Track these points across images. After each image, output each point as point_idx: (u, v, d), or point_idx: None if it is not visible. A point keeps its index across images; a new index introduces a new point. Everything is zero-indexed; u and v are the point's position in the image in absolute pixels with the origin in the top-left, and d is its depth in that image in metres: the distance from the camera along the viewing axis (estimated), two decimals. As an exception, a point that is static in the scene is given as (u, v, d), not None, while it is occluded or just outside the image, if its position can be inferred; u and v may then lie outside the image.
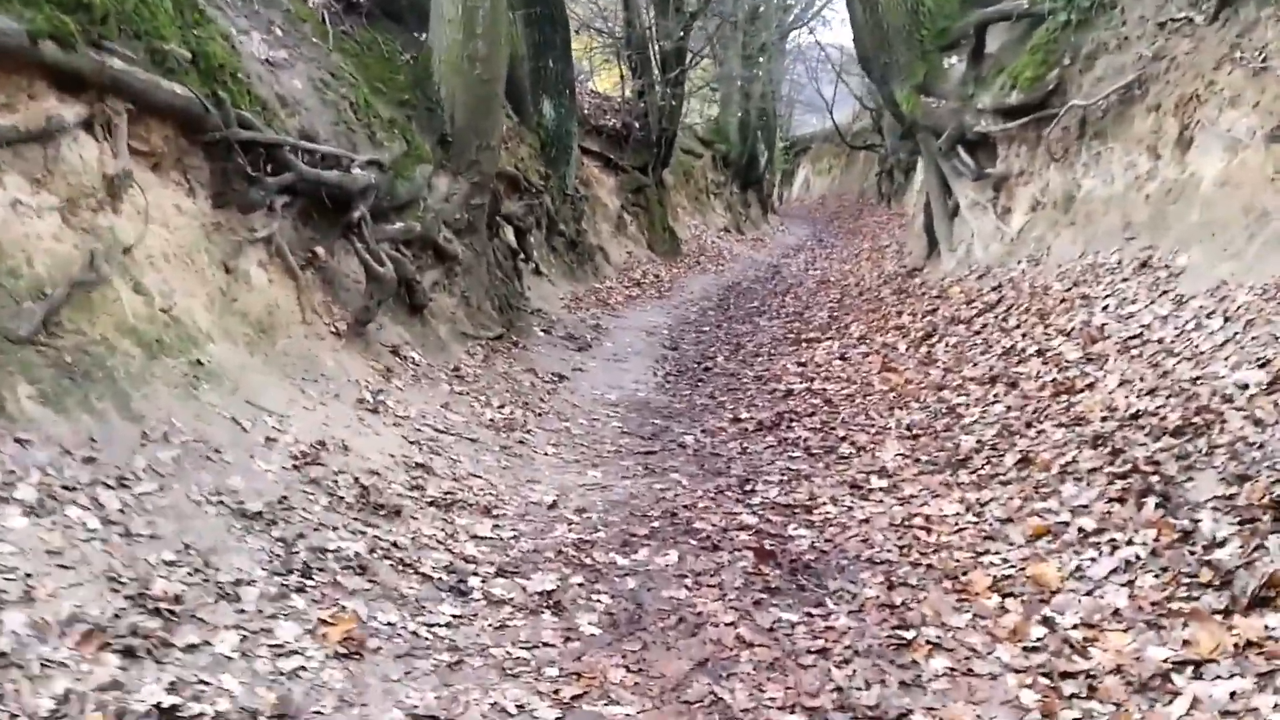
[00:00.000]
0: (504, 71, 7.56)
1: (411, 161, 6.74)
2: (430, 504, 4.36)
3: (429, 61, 7.29)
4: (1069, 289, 6.81)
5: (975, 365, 6.62)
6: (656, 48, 17.56)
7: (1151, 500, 3.85)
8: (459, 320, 7.32)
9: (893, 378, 7.27)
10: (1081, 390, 5.24)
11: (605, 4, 17.73)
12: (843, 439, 6.01)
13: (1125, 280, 6.25)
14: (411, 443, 4.94)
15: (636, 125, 17.18)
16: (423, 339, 6.57)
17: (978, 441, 5.33)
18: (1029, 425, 5.17)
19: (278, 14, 6.30)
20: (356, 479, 4.26)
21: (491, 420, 5.78)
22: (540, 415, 6.30)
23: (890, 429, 6.06)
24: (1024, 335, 6.58)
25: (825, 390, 7.41)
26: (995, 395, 5.88)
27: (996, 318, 7.37)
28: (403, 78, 7.12)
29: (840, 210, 32.69)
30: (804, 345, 9.70)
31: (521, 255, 10.16)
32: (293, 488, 3.98)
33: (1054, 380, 5.57)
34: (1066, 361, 5.69)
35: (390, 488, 4.34)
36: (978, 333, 7.38)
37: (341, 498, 4.07)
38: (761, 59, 23.21)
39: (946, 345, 7.53)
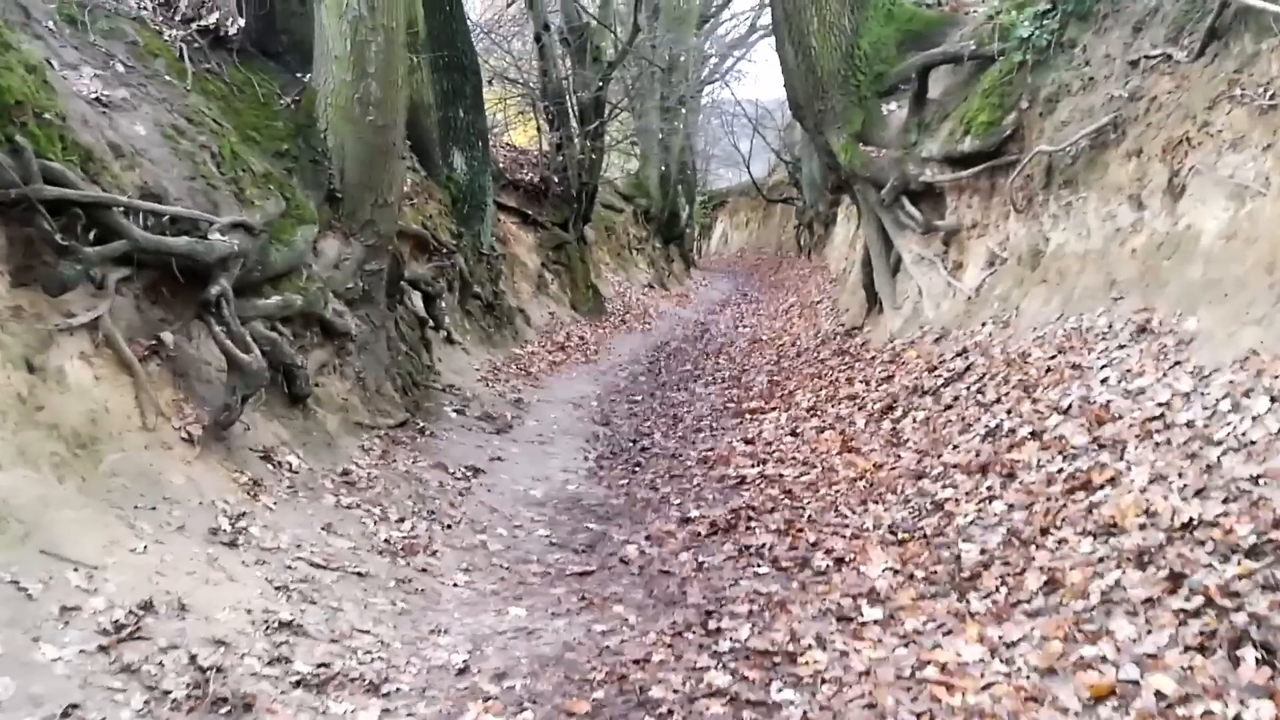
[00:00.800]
0: (402, 118, 6.54)
1: (291, 223, 5.66)
2: (297, 684, 3.23)
3: (313, 106, 6.23)
4: (1053, 357, 6.01)
5: (956, 448, 5.75)
6: (574, 99, 16.77)
7: (1250, 653, 2.96)
8: (352, 409, 6.19)
9: (858, 461, 6.37)
10: (1101, 486, 4.38)
11: (519, 53, 16.90)
12: (814, 545, 5.05)
13: (1122, 348, 5.47)
14: (278, 589, 3.80)
15: (555, 179, 16.29)
16: (305, 437, 5.44)
17: (982, 552, 4.42)
18: (1044, 532, 4.27)
19: (120, 46, 5.20)
20: (193, 658, 3.12)
21: (387, 542, 4.65)
22: (449, 528, 5.19)
23: (869, 531, 5.12)
24: (1009, 412, 5.74)
25: (782, 477, 6.47)
26: (990, 489, 5.00)
27: (970, 390, 6.54)
28: (281, 124, 6.04)
29: (759, 263, 32.39)
30: (748, 417, 8.77)
31: (431, 324, 9.06)
32: (93, 684, 2.83)
33: (1062, 472, 4.71)
34: (1073, 448, 4.83)
35: (241, 666, 3.20)
36: (949, 407, 6.54)
37: (167, 692, 2.93)
38: (682, 110, 22.67)
39: (914, 421, 6.67)
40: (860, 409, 7.72)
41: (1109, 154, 6.48)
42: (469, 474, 6.29)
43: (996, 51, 8.16)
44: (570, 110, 16.72)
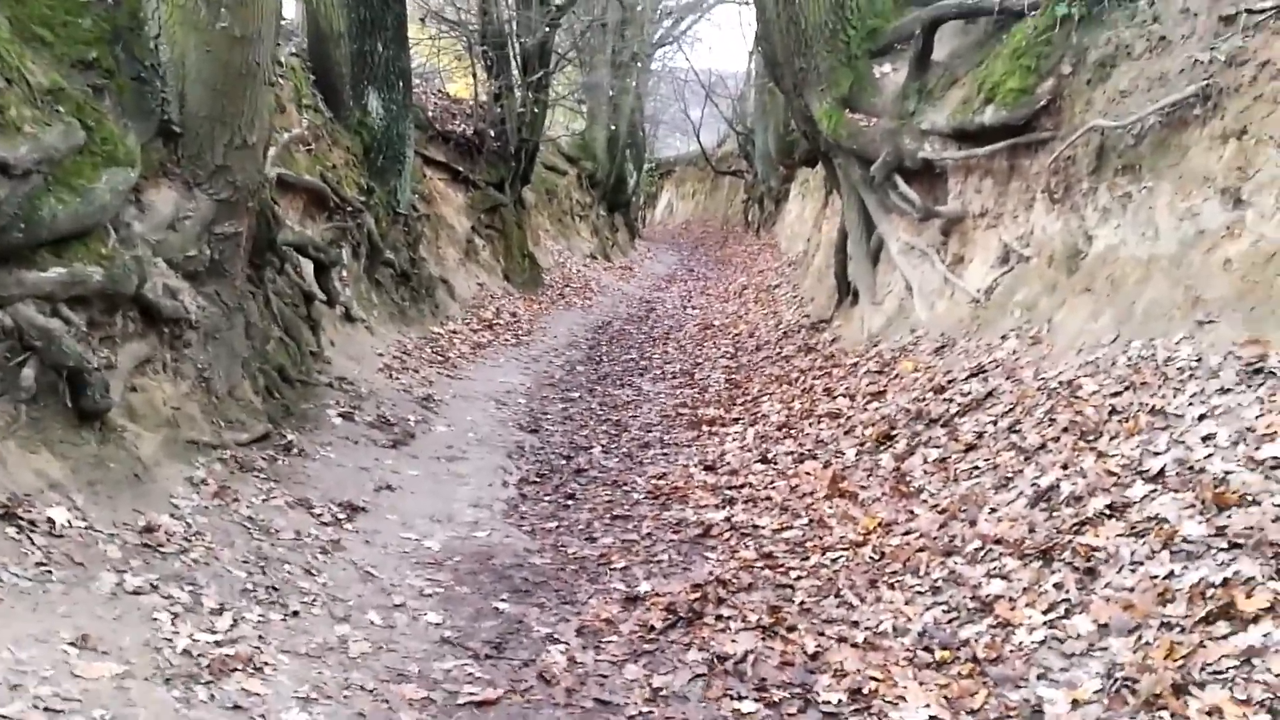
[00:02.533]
0: (271, 28, 4.83)
1: (91, 164, 3.95)
2: None
3: (139, 1, 4.49)
4: (1117, 393, 4.61)
5: (995, 513, 4.32)
6: (517, 45, 14.98)
7: None
8: (185, 422, 4.54)
9: (856, 515, 4.92)
10: (1255, 618, 2.97)
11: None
12: (815, 658, 3.58)
13: (1227, 391, 4.08)
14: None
15: (492, 134, 14.53)
16: (94, 472, 3.79)
17: (1074, 703, 2.99)
18: (1177, 690, 2.85)
19: None
20: None
21: (188, 654, 3.04)
22: (295, 616, 3.60)
23: (889, 637, 3.67)
24: (1066, 468, 4.32)
25: (757, 529, 4.99)
26: (1062, 590, 3.57)
27: (999, 426, 5.12)
28: (89, 23, 4.29)
29: (705, 236, 31.06)
30: (705, 430, 7.29)
31: (323, 298, 7.37)
32: None
33: (1175, 578, 3.30)
34: (1186, 541, 3.43)
35: None
36: (971, 447, 5.12)
37: None
38: (635, 66, 20.97)
39: (926, 462, 5.24)
40: (847, 432, 6.29)
41: (1190, 134, 5.07)
42: (342, 516, 4.68)
43: (1028, 4, 6.71)
44: (512, 57, 14.94)
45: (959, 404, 5.67)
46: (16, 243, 3.51)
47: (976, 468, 4.89)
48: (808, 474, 5.74)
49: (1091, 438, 4.46)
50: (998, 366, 5.83)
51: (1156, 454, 3.99)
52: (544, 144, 20.62)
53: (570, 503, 5.65)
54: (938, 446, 5.34)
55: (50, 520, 3.34)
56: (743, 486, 5.75)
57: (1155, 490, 3.79)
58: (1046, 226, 6.31)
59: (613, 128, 22.71)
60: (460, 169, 14.03)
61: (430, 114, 13.85)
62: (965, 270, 7.51)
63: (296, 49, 9.13)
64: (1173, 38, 5.46)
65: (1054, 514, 4.06)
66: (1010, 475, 4.59)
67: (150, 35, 4.46)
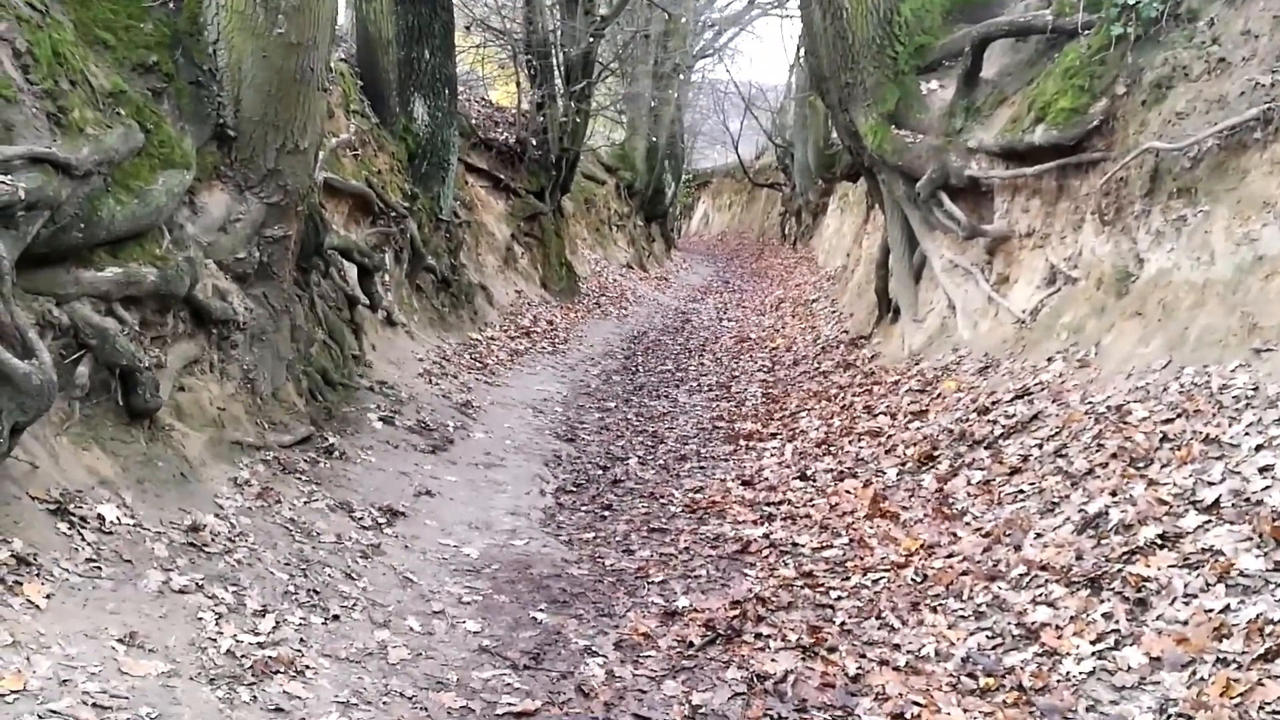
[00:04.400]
0: (327, 37, 4.88)
1: (150, 165, 4.01)
2: None
3: (200, 6, 4.56)
4: (1169, 420, 4.52)
5: (1040, 538, 4.25)
6: (560, 55, 15.06)
7: None
8: (231, 422, 4.58)
9: (898, 535, 4.87)
10: (1318, 657, 2.90)
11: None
12: (856, 680, 3.53)
13: (1284, 423, 3.99)
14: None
15: (533, 142, 14.60)
16: (144, 470, 3.83)
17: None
18: (1234, 727, 2.78)
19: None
20: None
21: (231, 655, 3.06)
22: (336, 619, 3.61)
23: (932, 661, 3.62)
24: (1115, 495, 4.24)
25: (797, 546, 4.95)
26: (1111, 619, 3.50)
27: (1045, 450, 5.04)
28: (151, 27, 4.36)
29: (741, 248, 31.10)
30: (743, 444, 7.25)
31: (365, 302, 7.43)
32: None
33: (1231, 612, 3.22)
34: (1242, 574, 3.35)
35: None
36: (1016, 470, 5.04)
37: None
38: (677, 78, 20.99)
39: (969, 484, 5.16)
40: (888, 451, 6.22)
41: (1250, 158, 4.98)
42: (382, 520, 4.70)
43: (1082, 24, 6.63)
44: (555, 67, 15.02)
45: (1003, 426, 5.60)
46: (76, 242, 3.57)
47: (1021, 491, 4.82)
48: (848, 492, 5.68)
49: (1142, 465, 4.38)
50: (1043, 389, 5.75)
51: (1211, 484, 3.91)
52: (584, 154, 20.73)
53: (607, 514, 5.63)
54: (981, 469, 5.27)
55: (100, 517, 3.38)
56: (781, 503, 5.71)
57: (1210, 521, 3.72)
58: (1096, 248, 6.23)
59: (653, 139, 22.75)
60: (501, 177, 14.10)
61: (473, 121, 13.95)
62: (1010, 290, 7.43)
63: (345, 55, 9.23)
64: (1233, 59, 5.37)
65: (1102, 541, 3.98)
66: (1057, 500, 4.52)
67: (209, 40, 4.53)
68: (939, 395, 6.78)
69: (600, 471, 6.57)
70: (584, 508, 5.74)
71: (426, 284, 9.77)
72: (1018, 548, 4.28)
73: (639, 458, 6.96)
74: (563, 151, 15.29)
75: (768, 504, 5.72)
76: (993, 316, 7.54)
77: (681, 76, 22.03)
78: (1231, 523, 3.64)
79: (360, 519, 4.61)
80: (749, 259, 28.08)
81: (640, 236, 24.40)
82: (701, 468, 6.70)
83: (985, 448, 5.51)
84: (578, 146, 15.99)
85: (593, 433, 7.68)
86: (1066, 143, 6.41)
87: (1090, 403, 5.23)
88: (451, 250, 10.63)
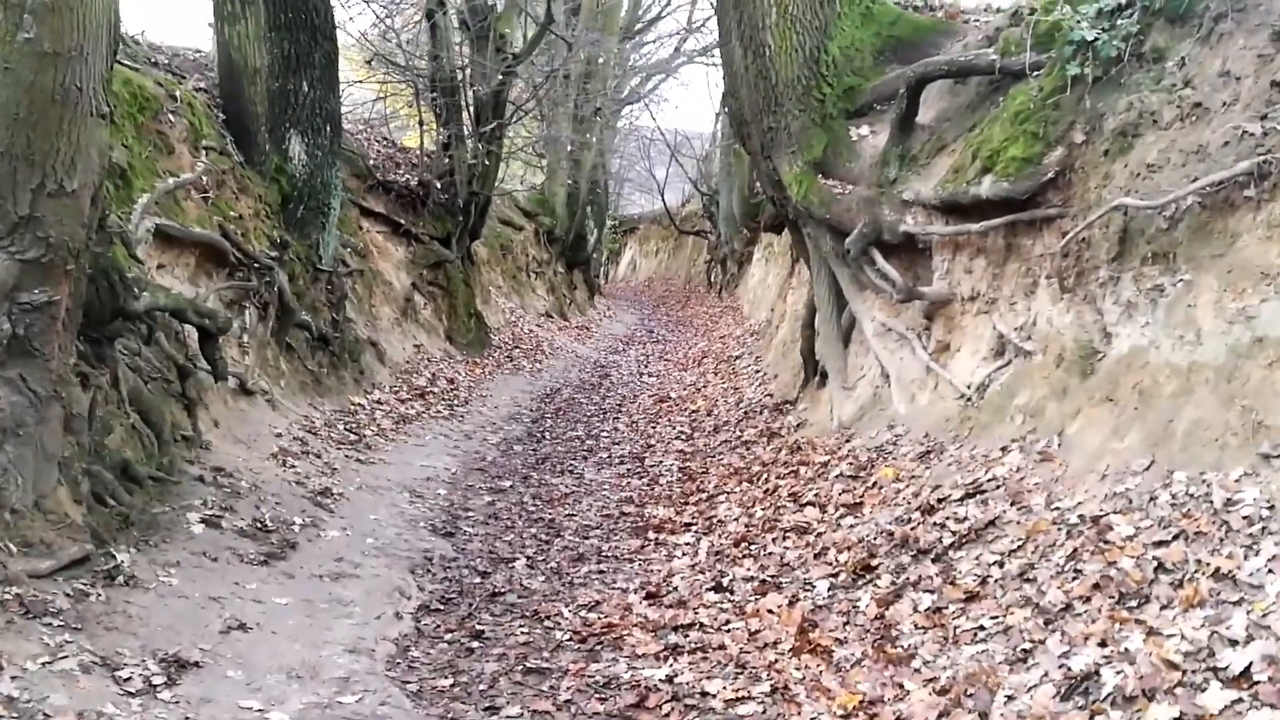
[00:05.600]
0: (102, 44, 3.78)
1: None
2: None
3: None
4: (1163, 544, 3.64)
5: (1014, 705, 3.30)
6: (469, 93, 14.10)
7: None
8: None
9: (831, 684, 3.87)
10: None
11: (404, 29, 14.14)
12: None
13: (1315, 557, 3.13)
14: None
15: (438, 185, 13.56)
16: None
17: None
18: None
19: None
20: None
21: None
22: None
23: None
24: (1103, 645, 3.32)
25: (706, 698, 3.93)
26: None
27: (1004, 568, 4.14)
28: None
29: (667, 295, 30.49)
30: (653, 538, 6.24)
31: (209, 370, 6.27)
32: None
33: None
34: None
35: None
36: (974, 596, 4.12)
37: None
38: (597, 121, 20.20)
39: (916, 611, 4.22)
40: (817, 556, 5.26)
41: (1241, 219, 4.19)
42: (161, 679, 3.54)
43: (1030, 64, 5.88)
44: (464, 106, 14.05)
45: (953, 532, 4.69)
46: None
47: (982, 627, 3.88)
48: (771, 613, 4.69)
49: (1134, 603, 3.48)
50: (999, 486, 4.86)
51: (1234, 643, 3.01)
52: (500, 199, 19.74)
53: (476, 645, 4.54)
54: (930, 590, 4.33)
55: None
56: (691, 626, 4.69)
57: (1240, 701, 2.81)
58: (1053, 318, 5.41)
59: (574, 183, 21.90)
60: (402, 221, 13.00)
61: (371, 162, 12.87)
62: (952, 360, 6.61)
63: (205, 84, 8.11)
64: (1211, 105, 4.62)
65: (1096, 717, 3.05)
66: (1029, 646, 3.59)
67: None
68: (875, 484, 5.86)
69: (478, 580, 5.48)
70: (448, 636, 4.64)
71: (300, 343, 8.61)
72: (984, 715, 3.32)
73: (528, 558, 5.88)
74: (472, 195, 14.27)
75: (676, 627, 4.69)
76: (932, 389, 6.71)
77: (602, 120, 21.24)
78: (1273, 706, 2.73)
79: (128, 680, 3.46)
80: (675, 306, 27.38)
81: (561, 284, 23.43)
82: (601, 572, 5.66)
83: (933, 560, 4.59)
84: (488, 190, 14.98)
85: (478, 523, 6.59)
86: (1018, 196, 5.62)
87: (1058, 508, 4.35)
88: (334, 303, 9.48)
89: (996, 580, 4.13)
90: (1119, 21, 5.19)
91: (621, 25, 23.58)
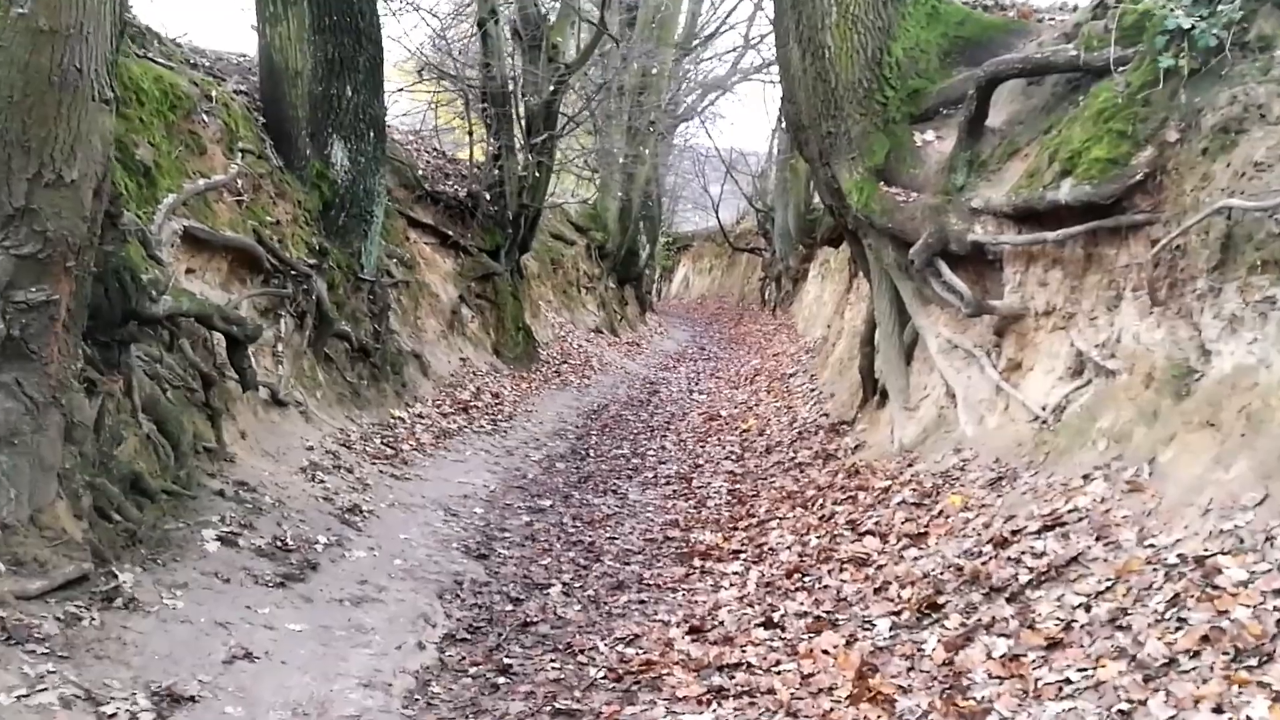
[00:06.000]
0: (105, 24, 3.52)
1: None
2: None
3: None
4: (1282, 590, 3.15)
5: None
6: (521, 104, 13.90)
7: None
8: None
9: (896, 740, 3.43)
10: None
11: (456, 40, 13.98)
12: None
13: None
14: None
15: (488, 197, 13.35)
16: None
17: None
18: None
19: None
20: None
21: None
22: None
23: None
24: (1217, 711, 2.85)
25: (752, 753, 3.51)
26: None
27: (1090, 611, 3.66)
28: None
29: (720, 313, 30.08)
30: (698, 565, 5.84)
31: (237, 378, 6.03)
32: None
33: None
34: None
35: None
36: (1056, 643, 3.64)
37: None
38: (651, 134, 19.91)
39: (990, 658, 3.75)
40: (878, 590, 4.81)
41: (1369, 222, 3.69)
42: (148, 716, 3.22)
43: (1114, 59, 5.40)
44: (515, 117, 13.85)
45: (1030, 568, 4.21)
46: None
47: (1068, 680, 3.41)
48: (826, 653, 4.25)
49: (1252, 661, 3.00)
50: (1081, 519, 4.37)
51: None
52: (552, 212, 19.54)
53: (503, 681, 4.18)
54: (1006, 634, 3.86)
55: None
56: (738, 666, 4.27)
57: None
58: (1141, 334, 4.91)
59: (626, 198, 21.63)
60: (450, 233, 12.81)
61: (420, 172, 12.70)
62: (1024, 380, 6.12)
63: (246, 87, 7.94)
64: (1329, 96, 4.12)
65: (1215, 800, 2.58)
66: (1126, 706, 3.12)
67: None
68: (941, 513, 5.39)
69: (510, 607, 5.12)
70: (473, 669, 4.28)
71: (339, 354, 8.38)
72: (1077, 788, 2.86)
73: (564, 585, 5.51)
74: (521, 207, 14.06)
75: (720, 667, 4.28)
76: (1002, 410, 6.22)
77: (657, 134, 20.95)
78: None
79: (112, 716, 3.15)
80: (727, 324, 26.96)
81: (612, 299, 23.16)
82: (641, 602, 5.26)
83: (1008, 600, 4.12)
84: (539, 203, 14.76)
85: (514, 544, 6.24)
86: (1101, 201, 5.13)
87: (1152, 545, 3.86)
88: (375, 314, 9.25)
89: (1083, 626, 3.65)
90: (1219, 8, 4.71)
91: (678, 39, 23.37)
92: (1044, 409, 5.65)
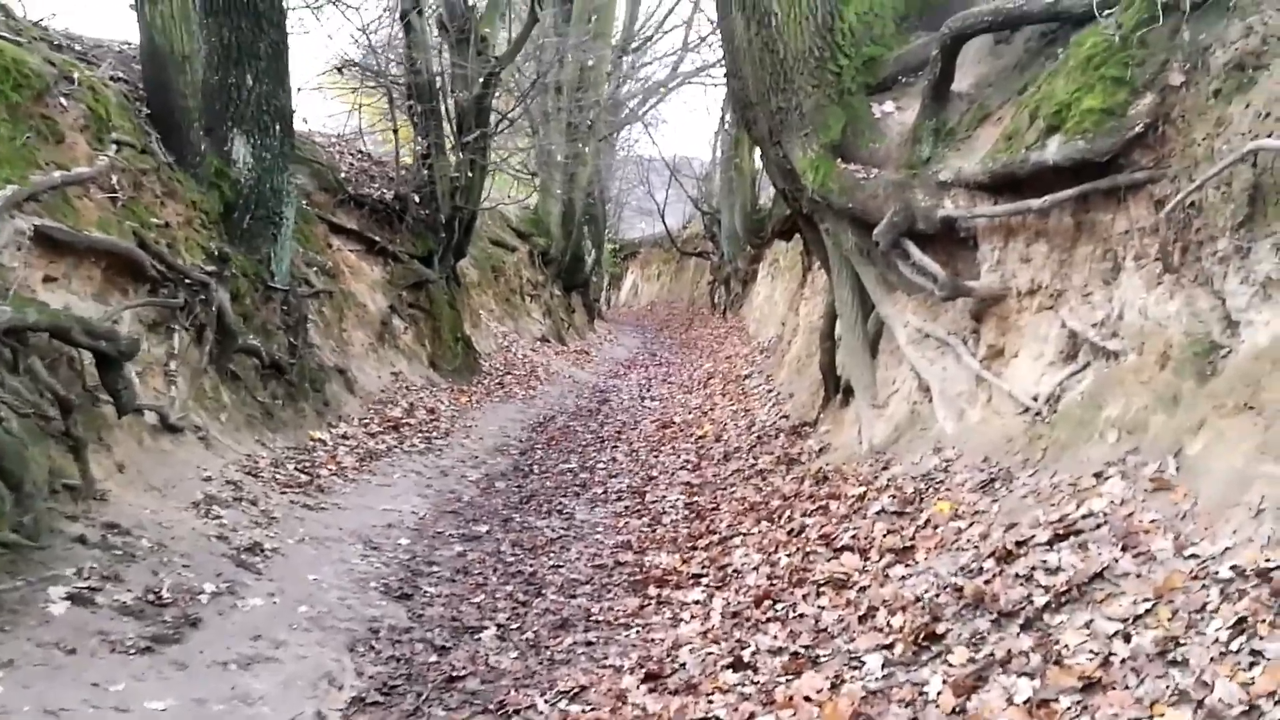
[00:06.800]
0: None
1: None
2: None
3: None
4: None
5: None
6: (450, 100, 13.10)
7: None
8: None
9: (908, 822, 2.72)
10: None
11: (373, 29, 13.14)
12: None
13: None
14: None
15: (417, 199, 12.52)
16: None
17: None
18: None
19: None
20: None
21: None
22: None
23: None
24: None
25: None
26: None
27: (1130, 642, 2.99)
28: None
29: (671, 319, 29.50)
30: (654, 595, 5.11)
31: (111, 399, 5.17)
32: None
33: None
34: None
35: None
36: (1092, 683, 2.96)
37: None
38: (591, 131, 19.19)
39: (1010, 701, 3.07)
40: (863, 618, 4.11)
41: None
42: None
43: (1097, 4, 4.79)
44: (444, 114, 13.03)
45: (1045, 587, 3.54)
46: None
47: (1116, 734, 2.73)
48: (808, 700, 3.54)
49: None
50: (1100, 525, 3.72)
51: None
52: (489, 216, 18.72)
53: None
54: (1027, 672, 3.17)
55: None
56: (703, 723, 3.54)
57: None
58: (1148, 308, 4.29)
59: (568, 200, 20.87)
60: (377, 239, 11.96)
61: (343, 175, 11.85)
62: (1007, 369, 5.51)
63: (126, 73, 7.07)
64: (1367, 18, 3.52)
65: None
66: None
67: None
68: (927, 522, 4.72)
69: (434, 657, 4.34)
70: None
71: (248, 371, 7.51)
72: None
73: (499, 626, 4.74)
74: (455, 210, 13.23)
75: (682, 724, 3.54)
76: (985, 403, 5.60)
77: (598, 133, 20.24)
78: None
79: None
80: (678, 329, 26.35)
81: (558, 307, 22.37)
82: (589, 643, 4.51)
83: (1023, 627, 3.44)
84: (474, 205, 13.94)
85: (443, 580, 5.45)
86: (1096, 158, 4.50)
87: (1195, 556, 3.21)
88: (291, 326, 8.39)
89: (1125, 661, 2.97)
90: (1222, -70, 4.10)
91: (616, 41, 22.73)
92: (1035, 399, 5.03)
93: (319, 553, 5.51)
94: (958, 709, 3.18)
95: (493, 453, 9.48)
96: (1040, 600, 3.48)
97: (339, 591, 4.99)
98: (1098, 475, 4.04)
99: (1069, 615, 3.35)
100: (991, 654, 3.37)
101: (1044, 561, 3.69)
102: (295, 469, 6.88)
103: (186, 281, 6.56)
